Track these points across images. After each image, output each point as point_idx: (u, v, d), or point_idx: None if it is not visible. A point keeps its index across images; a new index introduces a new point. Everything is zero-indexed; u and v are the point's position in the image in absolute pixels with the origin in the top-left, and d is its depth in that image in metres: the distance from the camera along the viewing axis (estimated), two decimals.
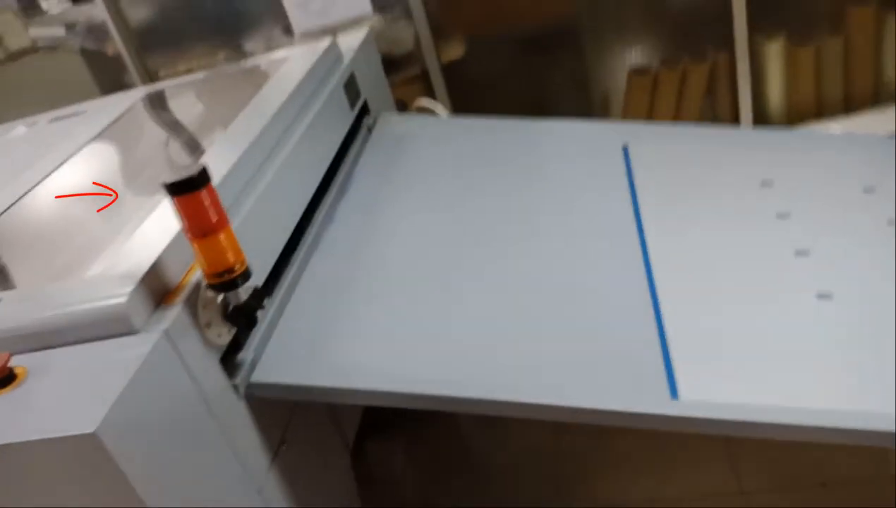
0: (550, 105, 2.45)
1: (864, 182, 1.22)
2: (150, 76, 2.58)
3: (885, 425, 0.75)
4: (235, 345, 0.89)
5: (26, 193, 1.13)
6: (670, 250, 1.06)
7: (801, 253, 1.05)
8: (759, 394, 0.81)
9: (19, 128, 1.60)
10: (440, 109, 1.53)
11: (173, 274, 0.80)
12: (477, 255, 1.05)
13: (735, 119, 2.25)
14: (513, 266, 1.03)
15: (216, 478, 0.81)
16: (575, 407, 0.78)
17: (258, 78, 1.38)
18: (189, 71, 2.39)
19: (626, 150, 1.32)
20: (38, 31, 2.56)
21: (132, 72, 2.56)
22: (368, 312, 0.96)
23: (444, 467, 1.61)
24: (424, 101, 1.54)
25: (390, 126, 1.45)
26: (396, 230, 1.11)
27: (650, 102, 2.30)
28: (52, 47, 2.60)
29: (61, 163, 1.24)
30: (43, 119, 1.61)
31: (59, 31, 2.56)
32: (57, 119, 1.56)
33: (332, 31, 2.23)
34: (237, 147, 1.03)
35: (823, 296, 0.96)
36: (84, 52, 2.61)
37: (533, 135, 1.39)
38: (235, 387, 0.85)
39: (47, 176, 1.19)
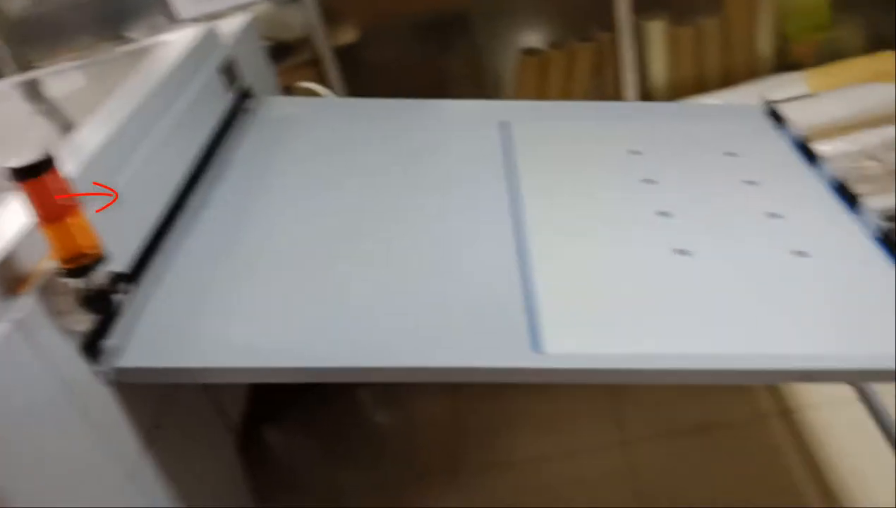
0: (446, 88, 2.48)
1: (725, 147, 1.30)
2: (27, 67, 2.47)
3: (728, 364, 0.82)
4: (103, 331, 0.87)
5: None
6: (541, 216, 1.10)
7: (662, 213, 1.11)
8: (621, 344, 0.86)
9: None
10: (322, 90, 1.53)
11: (28, 261, 0.78)
12: (352, 232, 1.06)
13: (620, 95, 2.34)
14: (387, 241, 1.04)
15: (83, 466, 0.79)
16: (441, 366, 0.80)
17: (132, 63, 1.34)
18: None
19: (506, 126, 1.36)
20: None
21: (6, 62, 2.43)
22: (239, 291, 0.95)
23: (341, 444, 1.62)
24: (306, 84, 1.53)
25: (272, 109, 1.43)
26: (272, 211, 1.11)
27: (540, 82, 2.36)
28: None
29: None
30: None
31: None
32: None
33: (216, 17, 2.19)
34: (102, 132, 1.00)
35: (681, 252, 1.02)
36: None
37: (415, 115, 1.41)
38: (99, 374, 0.83)
39: None
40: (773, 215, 1.10)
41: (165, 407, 0.96)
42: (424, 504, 1.43)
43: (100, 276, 0.77)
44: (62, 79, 1.46)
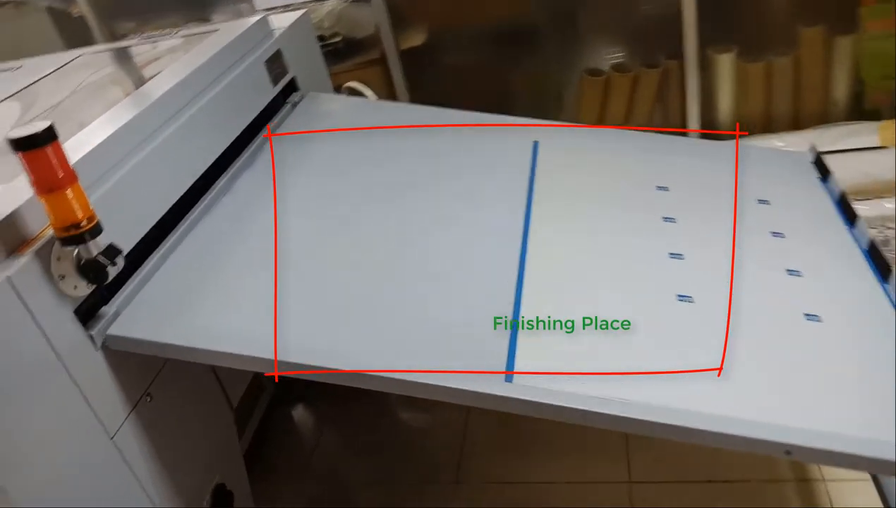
0: (506, 99, 2.48)
1: (760, 193, 1.25)
2: (114, 40, 2.60)
3: (710, 427, 0.79)
4: (103, 300, 0.92)
5: None
6: (551, 240, 1.09)
7: (674, 255, 1.08)
8: (599, 385, 0.84)
9: None
10: (368, 92, 1.56)
11: (32, 225, 0.83)
12: (359, 236, 1.08)
13: (683, 126, 2.29)
14: (391, 248, 1.06)
15: (65, 422, 0.84)
16: (404, 380, 0.81)
17: (188, 46, 1.40)
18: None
19: (535, 147, 1.35)
20: None
21: (95, 34, 2.57)
22: (242, 278, 0.98)
23: (360, 434, 1.66)
24: (352, 84, 1.56)
25: (315, 105, 1.47)
26: (287, 205, 1.14)
27: (601, 104, 2.33)
28: (21, 2, 2.61)
29: None
30: None
31: None
32: None
33: (295, 8, 2.26)
34: (135, 108, 1.05)
35: (684, 298, 0.99)
36: (50, 11, 2.62)
37: (452, 124, 1.42)
38: (92, 338, 0.87)
39: None
40: (792, 272, 1.06)
41: (160, 378, 1.00)
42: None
43: (95, 247, 0.81)
44: (125, 56, 1.54)
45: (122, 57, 1.50)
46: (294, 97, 1.48)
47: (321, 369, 0.82)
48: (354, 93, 1.57)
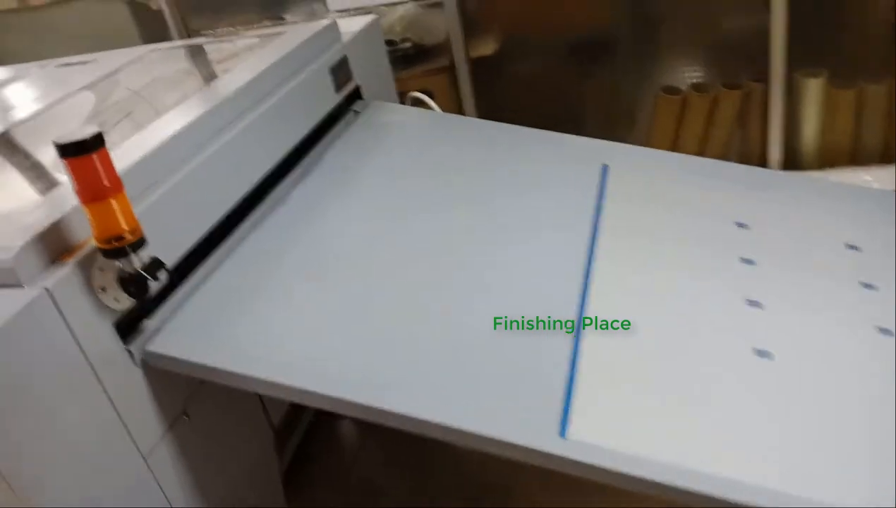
0: (577, 114, 2.39)
1: (849, 238, 1.15)
2: (189, 34, 2.63)
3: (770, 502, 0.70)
4: (144, 313, 0.89)
5: None
6: (615, 277, 1.01)
7: (753, 303, 0.99)
8: (657, 449, 0.77)
9: (32, 70, 1.64)
10: (433, 104, 1.50)
11: (77, 233, 0.80)
12: (414, 258, 1.02)
13: (764, 153, 2.16)
14: (445, 274, 1.00)
15: (97, 442, 0.81)
16: (451, 427, 0.75)
17: (254, 49, 1.38)
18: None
19: (605, 171, 1.27)
20: None
21: (172, 28, 2.60)
22: (288, 297, 0.94)
23: (395, 455, 1.60)
24: (417, 94, 1.51)
25: (378, 114, 1.43)
26: (341, 220, 1.10)
27: (677, 124, 2.23)
28: None
29: (41, 110, 1.26)
30: (54, 63, 1.64)
31: None
32: (65, 65, 1.59)
33: (367, 12, 2.23)
34: (192, 114, 1.03)
35: (761, 353, 0.90)
36: (131, 4, 2.67)
37: (518, 144, 1.35)
38: (131, 353, 0.85)
39: (23, 120, 1.22)
40: (884, 331, 0.96)
41: (199, 396, 0.96)
42: None
43: (137, 260, 0.78)
44: (195, 54, 1.53)
45: (187, 57, 1.49)
46: (357, 105, 1.44)
47: (367, 408, 0.77)
48: (419, 103, 1.52)
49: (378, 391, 0.79)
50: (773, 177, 1.51)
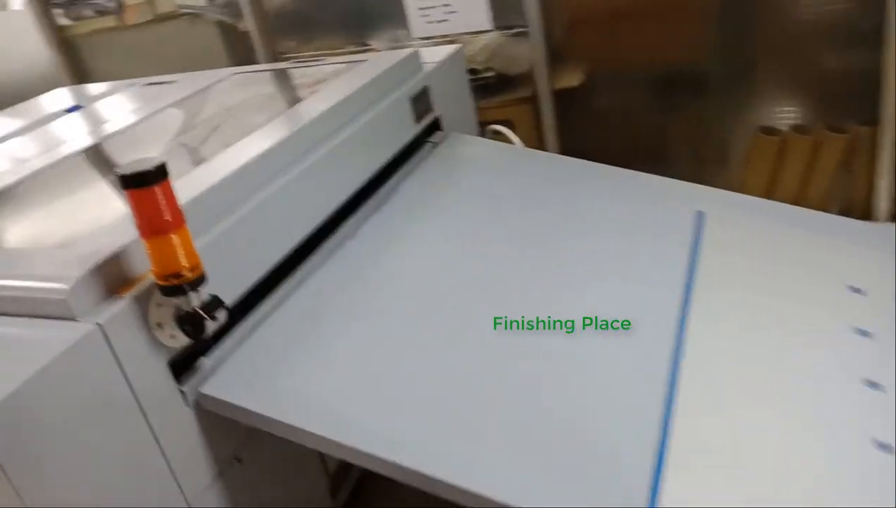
0: (663, 152, 2.28)
1: None
2: (275, 57, 2.66)
3: None
4: (200, 352, 0.84)
5: (70, 155, 1.15)
6: (711, 345, 0.91)
7: (870, 383, 0.87)
8: None
9: (119, 88, 1.66)
10: (514, 138, 1.43)
11: (136, 265, 0.76)
12: (490, 306, 0.95)
13: (869, 204, 2.00)
14: (523, 326, 0.92)
15: (147, 480, 0.76)
16: None
17: (335, 76, 1.34)
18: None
19: (700, 218, 1.17)
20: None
21: (258, 50, 2.63)
22: (351, 345, 0.88)
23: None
24: (497, 127, 1.44)
25: (456, 147, 1.37)
26: (411, 260, 1.03)
27: (774, 168, 2.08)
28: (194, 15, 2.72)
29: (120, 129, 1.26)
30: (141, 82, 1.66)
31: (200, 1, 2.68)
32: (150, 84, 1.60)
33: (451, 41, 2.19)
34: (265, 143, 0.99)
35: (881, 446, 0.78)
36: (220, 25, 2.72)
37: (604, 184, 1.26)
38: (183, 394, 0.80)
39: (101, 140, 1.21)
40: None
41: (253, 441, 0.91)
42: None
43: (196, 299, 0.73)
44: (277, 79, 1.51)
45: (269, 81, 1.47)
46: (436, 137, 1.38)
47: (429, 479, 0.69)
48: (499, 136, 1.45)
49: (441, 461, 0.72)
50: (887, 233, 1.37)
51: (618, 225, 1.15)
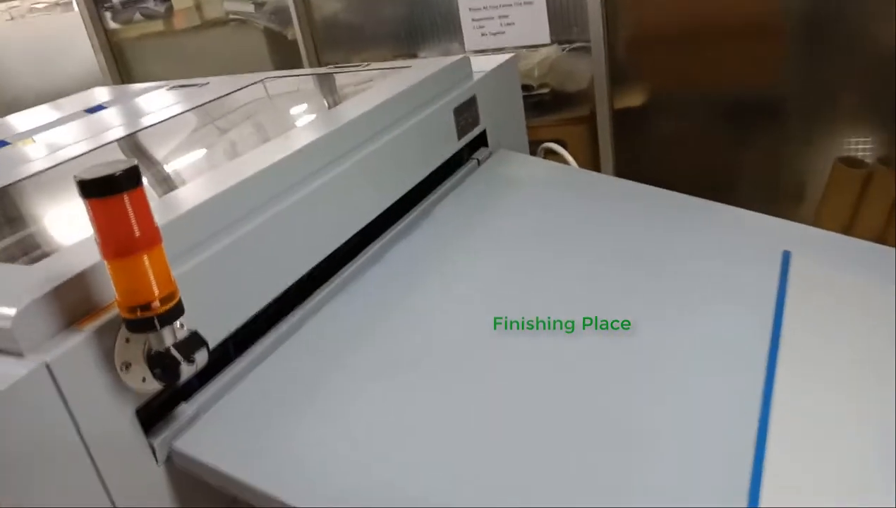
0: (730, 181, 2.09)
1: None
2: (321, 66, 2.56)
3: None
4: (178, 399, 0.71)
5: (71, 159, 1.04)
6: (801, 403, 0.73)
7: None
8: None
9: (148, 90, 1.56)
10: (569, 157, 1.28)
11: (106, 290, 0.63)
12: (530, 352, 0.79)
13: None
14: (573, 377, 0.75)
15: None
16: None
17: (373, 82, 1.21)
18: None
19: (786, 259, 0.99)
20: (232, 6, 2.63)
21: (305, 59, 2.54)
22: (363, 399, 0.73)
23: None
24: (551, 145, 1.29)
25: (503, 165, 1.22)
26: (443, 295, 0.88)
27: (856, 203, 1.88)
28: (242, 21, 2.66)
29: (131, 133, 1.15)
30: (171, 84, 1.56)
31: (248, 8, 2.61)
32: (177, 87, 1.50)
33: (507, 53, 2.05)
34: (282, 151, 0.85)
35: None
36: (267, 32, 2.64)
37: (670, 212, 1.09)
38: (153, 449, 0.66)
39: (108, 143, 1.10)
40: None
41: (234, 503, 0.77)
42: None
43: (170, 336, 0.60)
44: (312, 84, 1.39)
45: (301, 87, 1.35)
46: (481, 153, 1.23)
47: None
48: (551, 155, 1.30)
49: None
50: None
51: (688, 263, 0.98)
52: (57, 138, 1.21)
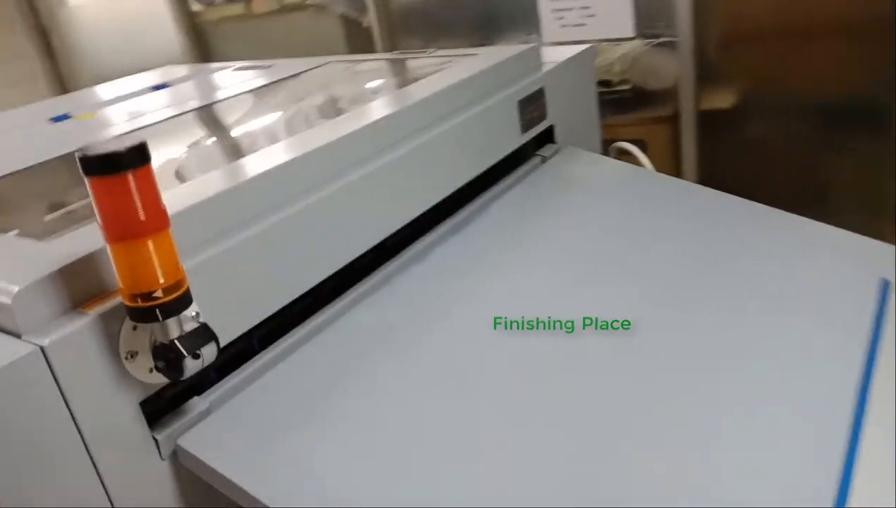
0: (825, 194, 1.92)
1: None
2: (391, 49, 2.53)
3: None
4: (192, 391, 0.66)
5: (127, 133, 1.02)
6: (878, 457, 0.63)
7: None
8: None
9: (214, 70, 1.55)
10: (643, 158, 1.18)
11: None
12: (584, 374, 0.71)
13: None
14: (625, 406, 0.67)
15: None
16: None
17: (436, 69, 1.15)
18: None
19: (885, 288, 0.87)
20: None
21: (378, 46, 2.51)
22: (391, 410, 0.67)
23: None
24: (623, 144, 1.19)
25: (570, 163, 1.13)
26: (488, 303, 0.81)
27: None
28: (320, 7, 2.64)
29: (186, 111, 1.12)
30: (235, 65, 1.54)
31: None
32: (241, 68, 1.48)
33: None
34: (329, 136, 0.80)
35: None
36: (344, 18, 2.62)
37: (754, 227, 0.99)
38: (157, 444, 0.62)
39: (159, 121, 1.08)
40: None
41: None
42: None
43: (175, 328, 0.55)
44: (379, 70, 1.34)
45: (365, 72, 1.29)
46: (546, 149, 1.15)
47: None
48: (624, 155, 1.20)
49: None
50: None
51: (771, 286, 0.87)
52: (114, 113, 1.20)
